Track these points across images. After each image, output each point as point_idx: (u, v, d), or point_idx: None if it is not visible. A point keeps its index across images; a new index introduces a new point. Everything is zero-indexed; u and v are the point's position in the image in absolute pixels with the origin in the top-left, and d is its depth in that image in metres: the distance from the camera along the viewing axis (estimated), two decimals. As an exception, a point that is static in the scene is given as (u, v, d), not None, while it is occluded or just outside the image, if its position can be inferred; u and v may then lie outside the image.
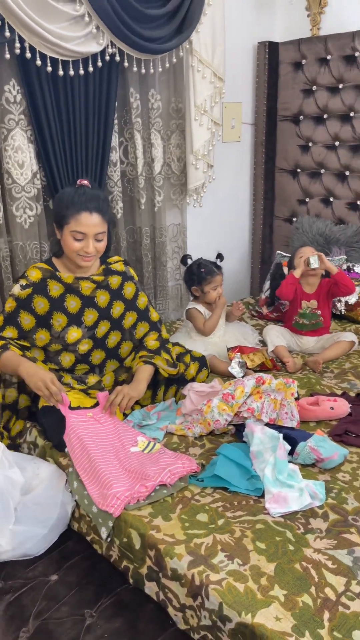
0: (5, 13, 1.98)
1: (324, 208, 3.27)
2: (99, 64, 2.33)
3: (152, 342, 2.13)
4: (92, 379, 2.05)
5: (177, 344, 2.34)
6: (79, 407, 1.94)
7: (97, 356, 2.06)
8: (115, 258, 2.12)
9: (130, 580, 1.56)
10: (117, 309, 2.07)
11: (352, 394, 2.18)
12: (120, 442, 1.84)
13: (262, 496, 1.60)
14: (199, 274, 2.56)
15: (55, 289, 1.96)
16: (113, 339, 2.08)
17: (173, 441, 1.91)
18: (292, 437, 1.77)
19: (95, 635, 1.42)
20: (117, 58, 2.38)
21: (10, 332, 1.95)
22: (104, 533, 1.58)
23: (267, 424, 1.86)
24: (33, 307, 1.94)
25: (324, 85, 3.10)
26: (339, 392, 2.20)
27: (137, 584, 1.54)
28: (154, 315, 2.19)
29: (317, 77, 3.11)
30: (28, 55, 2.10)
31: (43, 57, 2.14)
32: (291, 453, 1.75)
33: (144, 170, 2.74)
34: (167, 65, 2.63)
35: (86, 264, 1.94)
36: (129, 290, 2.10)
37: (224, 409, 1.86)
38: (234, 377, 2.19)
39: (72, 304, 1.98)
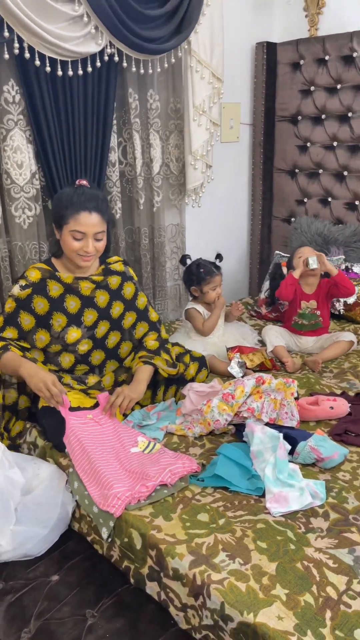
0: (4, 13, 1.98)
1: (322, 208, 3.28)
2: (98, 64, 2.33)
3: (151, 342, 2.13)
4: (91, 380, 2.05)
5: (176, 344, 2.34)
6: (79, 408, 1.94)
7: (97, 356, 2.06)
8: (115, 258, 2.12)
9: (132, 580, 1.56)
10: (117, 309, 2.07)
11: (351, 393, 2.19)
12: (120, 443, 1.84)
13: (263, 496, 1.61)
14: (198, 274, 2.56)
15: (54, 289, 1.95)
16: (113, 339, 2.08)
17: (173, 441, 1.91)
18: (292, 437, 1.77)
19: (97, 635, 1.42)
20: (116, 58, 2.38)
21: (10, 333, 1.95)
22: (104, 533, 1.58)
23: (267, 424, 1.86)
24: (33, 307, 1.94)
25: (322, 85, 3.10)
26: (339, 391, 2.20)
27: (138, 584, 1.54)
28: (154, 316, 2.19)
29: (315, 78, 3.11)
30: (27, 55, 2.10)
31: (42, 57, 2.14)
32: (291, 453, 1.75)
33: (143, 171, 2.74)
34: (166, 65, 2.63)
35: (86, 263, 1.93)
36: (128, 290, 2.10)
37: (224, 408, 1.87)
38: (234, 377, 2.19)
39: (72, 304, 1.98)
